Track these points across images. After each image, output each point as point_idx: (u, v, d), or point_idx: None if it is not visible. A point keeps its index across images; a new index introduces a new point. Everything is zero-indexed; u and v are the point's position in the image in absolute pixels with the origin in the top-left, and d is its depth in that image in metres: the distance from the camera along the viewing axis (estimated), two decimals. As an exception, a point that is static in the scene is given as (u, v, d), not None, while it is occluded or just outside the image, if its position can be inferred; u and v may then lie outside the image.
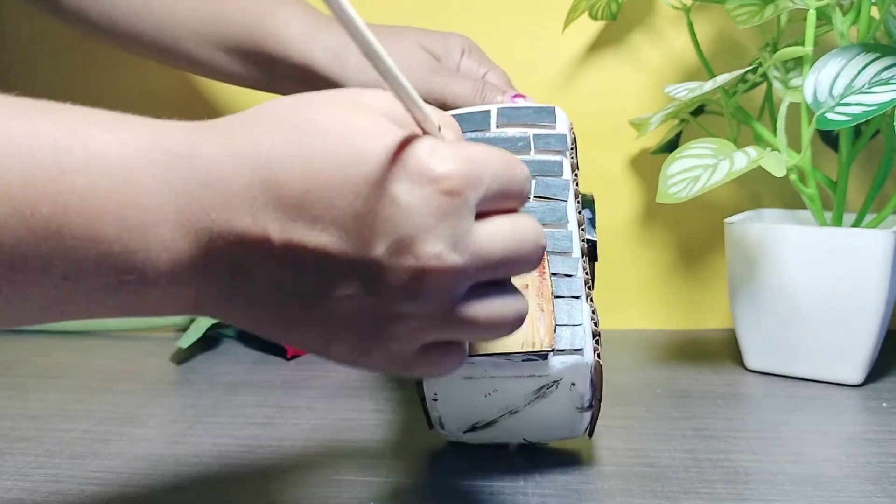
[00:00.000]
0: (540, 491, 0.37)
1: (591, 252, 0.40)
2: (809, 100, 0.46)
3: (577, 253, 0.38)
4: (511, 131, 0.40)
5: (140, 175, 0.25)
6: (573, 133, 0.42)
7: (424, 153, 0.26)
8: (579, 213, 0.39)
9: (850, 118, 0.45)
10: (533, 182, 0.39)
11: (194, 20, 0.52)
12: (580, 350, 0.35)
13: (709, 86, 0.49)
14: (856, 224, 0.54)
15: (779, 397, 0.49)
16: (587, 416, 0.38)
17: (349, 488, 0.37)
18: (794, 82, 0.55)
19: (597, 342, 0.35)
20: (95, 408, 0.48)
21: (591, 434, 0.40)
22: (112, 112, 0.27)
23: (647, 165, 0.67)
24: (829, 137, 0.61)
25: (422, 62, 0.49)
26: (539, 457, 0.40)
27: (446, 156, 0.26)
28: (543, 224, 0.38)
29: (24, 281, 0.25)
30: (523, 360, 0.34)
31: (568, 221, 0.38)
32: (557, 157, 0.40)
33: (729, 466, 0.39)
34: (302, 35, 0.50)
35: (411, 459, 0.40)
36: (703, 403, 0.48)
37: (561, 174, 0.39)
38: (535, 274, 0.35)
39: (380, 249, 0.26)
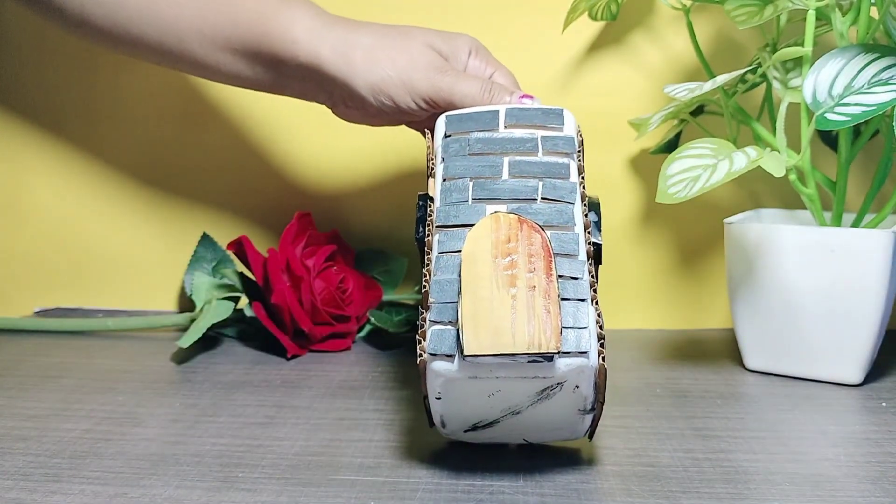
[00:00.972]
0: (540, 491, 0.37)
1: (595, 255, 0.40)
2: (809, 100, 0.46)
3: (583, 256, 0.37)
4: (519, 132, 0.41)
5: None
6: (581, 136, 0.42)
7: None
8: (585, 216, 0.39)
9: (849, 118, 0.45)
10: (540, 184, 0.39)
11: (200, 22, 0.52)
12: (585, 353, 0.35)
13: (708, 86, 0.49)
14: (855, 224, 0.54)
15: (778, 397, 0.50)
16: (589, 418, 0.38)
17: (349, 488, 0.37)
18: (794, 82, 0.55)
19: (601, 345, 0.35)
20: (95, 407, 0.48)
21: (591, 437, 0.40)
22: None
23: (647, 165, 0.67)
24: (828, 137, 0.61)
25: (429, 61, 0.49)
26: (539, 456, 0.40)
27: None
28: (550, 226, 0.38)
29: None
30: (528, 362, 0.34)
31: (575, 224, 0.38)
32: (565, 160, 0.40)
33: (728, 466, 0.40)
34: (309, 34, 0.50)
35: (411, 459, 0.40)
36: (702, 403, 0.48)
37: (568, 176, 0.39)
38: (542, 276, 0.35)
39: None
